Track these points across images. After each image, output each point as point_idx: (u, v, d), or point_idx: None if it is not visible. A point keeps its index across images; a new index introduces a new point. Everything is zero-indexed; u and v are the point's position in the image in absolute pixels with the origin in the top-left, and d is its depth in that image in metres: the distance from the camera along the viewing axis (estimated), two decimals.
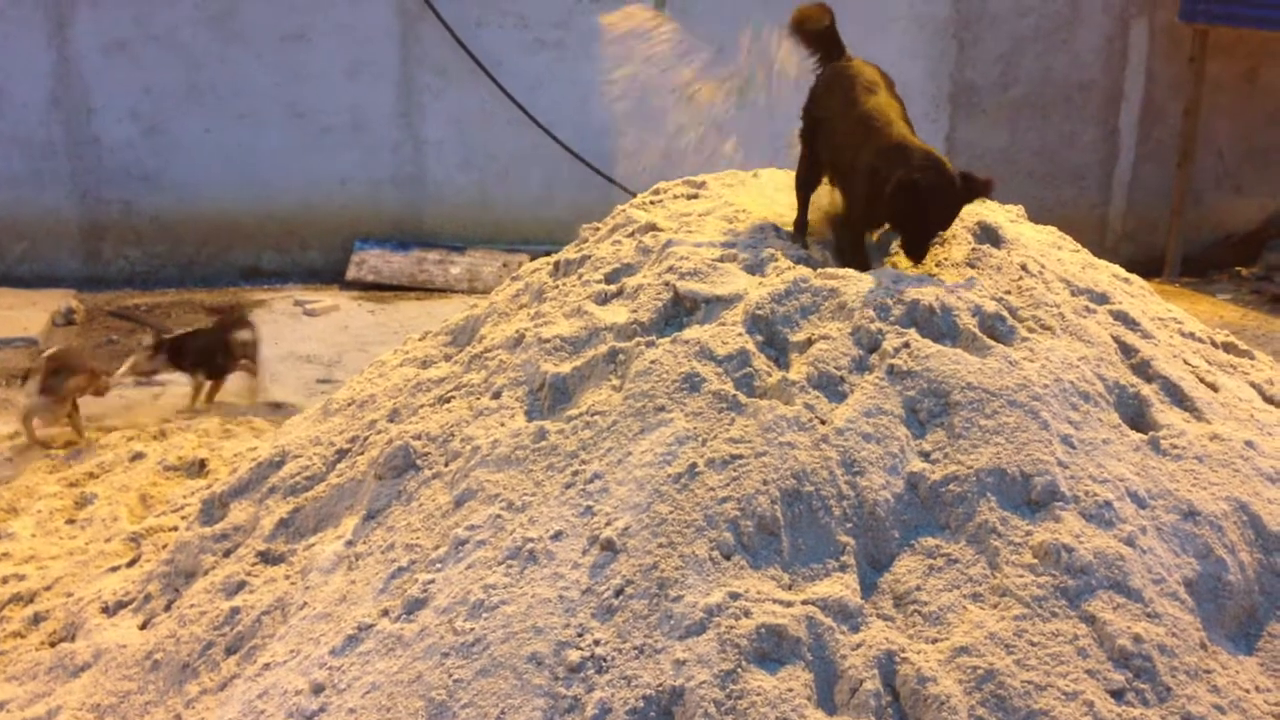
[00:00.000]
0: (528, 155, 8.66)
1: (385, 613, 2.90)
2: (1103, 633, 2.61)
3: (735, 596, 2.64)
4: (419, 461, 3.30)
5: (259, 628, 3.15)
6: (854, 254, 3.52)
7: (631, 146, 7.44)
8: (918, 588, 2.71)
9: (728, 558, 2.72)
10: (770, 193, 4.02)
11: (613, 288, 3.53)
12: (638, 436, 2.99)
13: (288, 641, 3.00)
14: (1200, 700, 2.56)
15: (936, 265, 3.45)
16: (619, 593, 2.71)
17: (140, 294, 8.27)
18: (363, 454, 3.53)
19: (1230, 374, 3.53)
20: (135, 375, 6.01)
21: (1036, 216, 4.07)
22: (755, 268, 3.43)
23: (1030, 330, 3.21)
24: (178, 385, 6.14)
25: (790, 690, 2.52)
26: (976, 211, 3.65)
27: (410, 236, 8.74)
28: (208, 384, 6.07)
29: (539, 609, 2.72)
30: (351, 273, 8.43)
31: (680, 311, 3.33)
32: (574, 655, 2.62)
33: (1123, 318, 3.45)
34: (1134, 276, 3.87)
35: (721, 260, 3.45)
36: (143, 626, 3.49)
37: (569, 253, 3.90)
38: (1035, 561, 2.71)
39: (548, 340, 3.40)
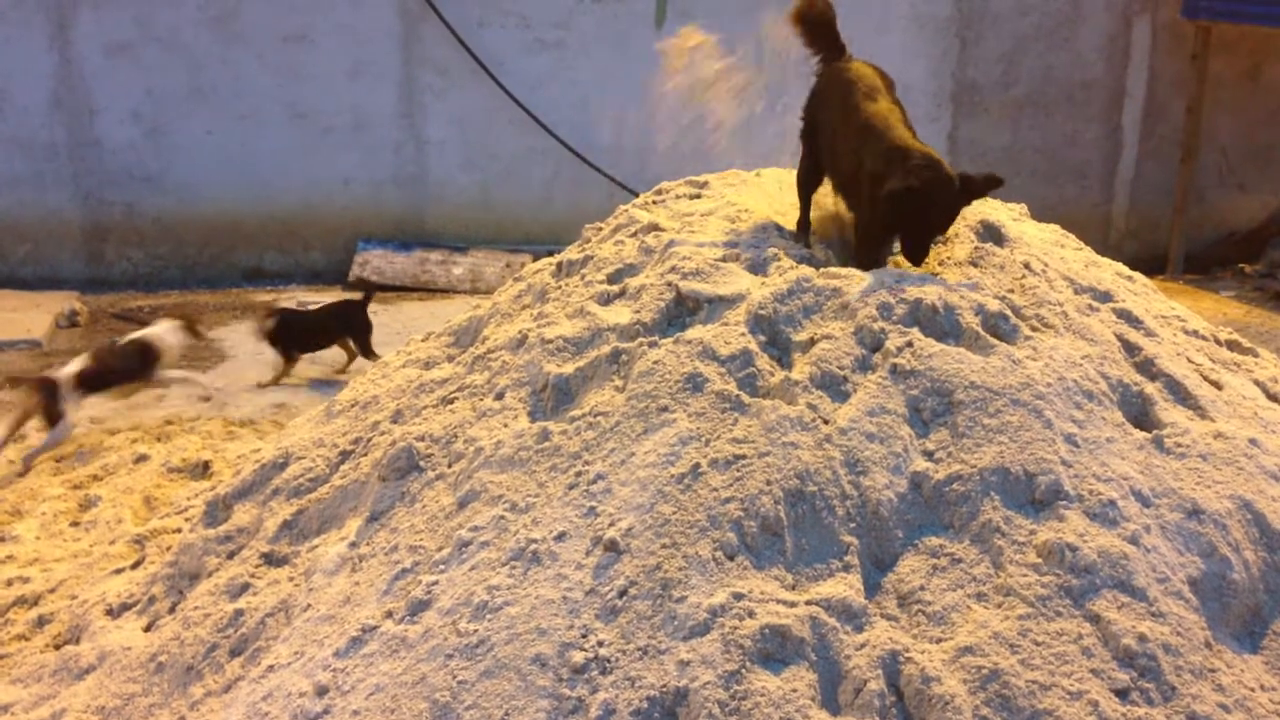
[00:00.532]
0: (529, 155, 8.67)
1: (389, 614, 2.90)
2: (1107, 632, 2.60)
3: (739, 597, 2.64)
4: (422, 463, 3.30)
5: (263, 630, 3.15)
6: (874, 262, 3.46)
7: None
8: (921, 587, 2.70)
9: (731, 558, 2.72)
10: (773, 192, 4.01)
11: (615, 288, 3.53)
12: (641, 437, 2.99)
13: (292, 643, 3.00)
14: (1205, 699, 2.56)
15: (939, 264, 3.44)
16: (623, 594, 2.70)
17: (143, 296, 8.27)
18: (366, 455, 3.53)
19: (1234, 372, 3.52)
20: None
21: (1039, 215, 4.07)
22: (758, 267, 3.42)
23: (1033, 329, 3.20)
24: (178, 387, 6.14)
25: (794, 691, 2.52)
26: (979, 210, 3.64)
27: (412, 237, 8.74)
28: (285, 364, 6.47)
29: (543, 610, 2.71)
30: (354, 273, 8.44)
31: (683, 311, 3.32)
32: (578, 656, 2.62)
33: (1126, 316, 3.44)
34: (1137, 274, 3.87)
35: (724, 260, 3.44)
36: (147, 629, 3.49)
37: (571, 253, 3.90)
38: (1039, 561, 2.70)
39: (550, 341, 3.39)
